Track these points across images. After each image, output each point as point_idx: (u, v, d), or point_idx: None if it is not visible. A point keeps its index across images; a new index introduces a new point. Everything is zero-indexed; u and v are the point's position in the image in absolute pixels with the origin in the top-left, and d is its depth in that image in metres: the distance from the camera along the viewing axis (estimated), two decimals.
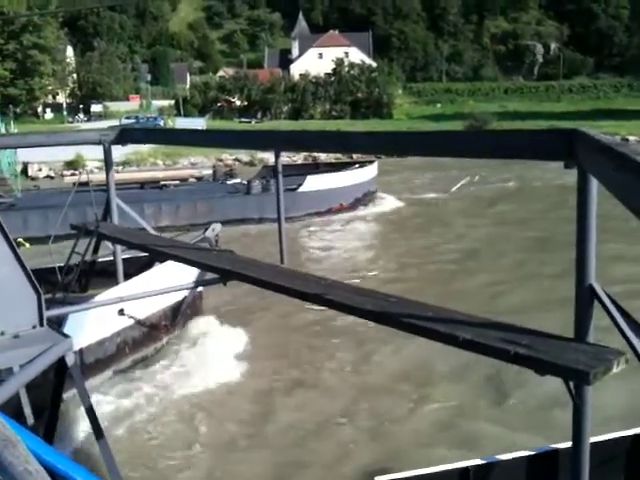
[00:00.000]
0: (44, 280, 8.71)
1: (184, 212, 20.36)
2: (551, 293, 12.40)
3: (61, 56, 64.49)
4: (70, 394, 6.54)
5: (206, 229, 10.26)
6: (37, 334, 5.29)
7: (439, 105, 76.23)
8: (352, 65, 69.11)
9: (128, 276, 9.76)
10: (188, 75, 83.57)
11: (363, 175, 25.13)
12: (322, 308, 6.06)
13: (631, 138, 46.98)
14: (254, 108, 65.94)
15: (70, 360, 5.26)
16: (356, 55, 75.14)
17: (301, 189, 22.02)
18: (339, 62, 68.98)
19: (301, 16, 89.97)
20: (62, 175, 33.38)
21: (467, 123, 51.50)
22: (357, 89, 67.38)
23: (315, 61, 75.91)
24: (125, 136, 8.95)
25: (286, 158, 37.74)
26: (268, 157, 32.04)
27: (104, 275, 10.17)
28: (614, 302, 3.99)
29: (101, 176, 9.66)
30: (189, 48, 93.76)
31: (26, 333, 5.11)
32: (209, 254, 7.47)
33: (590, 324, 4.12)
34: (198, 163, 38.32)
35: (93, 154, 25.25)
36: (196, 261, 6.90)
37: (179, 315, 10.91)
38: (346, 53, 74.27)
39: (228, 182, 24.98)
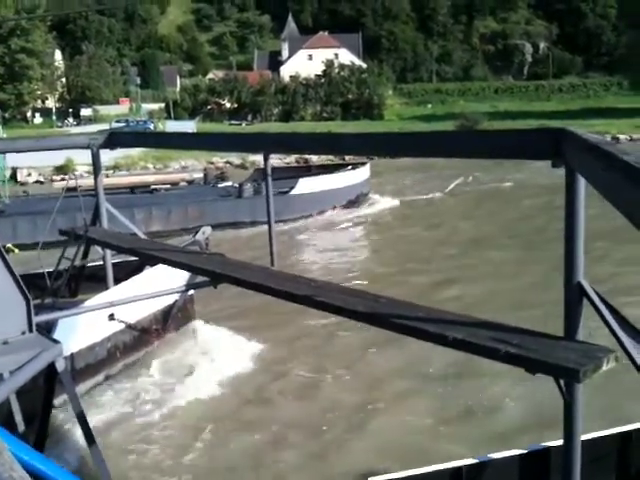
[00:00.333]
0: (33, 285, 8.66)
1: (175, 216, 20.23)
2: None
3: (50, 60, 64.18)
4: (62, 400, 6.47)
5: (196, 232, 10.23)
6: (26, 340, 5.25)
7: (430, 105, 76.49)
8: (342, 66, 69.20)
9: (118, 280, 9.70)
10: (178, 78, 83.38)
11: (355, 177, 25.11)
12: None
13: (622, 137, 47.32)
14: (244, 110, 65.88)
15: (60, 366, 5.22)
16: (346, 56, 75.25)
17: (293, 192, 21.98)
18: (329, 63, 69.05)
19: (290, 18, 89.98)
20: (52, 180, 33.15)
21: (458, 123, 51.71)
22: (347, 90, 67.47)
23: (305, 63, 75.94)
24: (113, 140, 8.91)
25: (277, 160, 37.66)
26: (260, 160, 31.81)
27: (94, 280, 10.11)
28: (603, 299, 4.01)
29: (91, 181, 9.58)
30: (178, 51, 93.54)
31: (15, 339, 5.07)
32: (199, 257, 7.45)
33: (579, 322, 4.14)
34: (189, 166, 38.16)
35: (83, 159, 25.10)
36: (186, 264, 6.87)
37: (170, 319, 10.86)
38: (336, 54, 74.36)
39: (219, 185, 24.85)
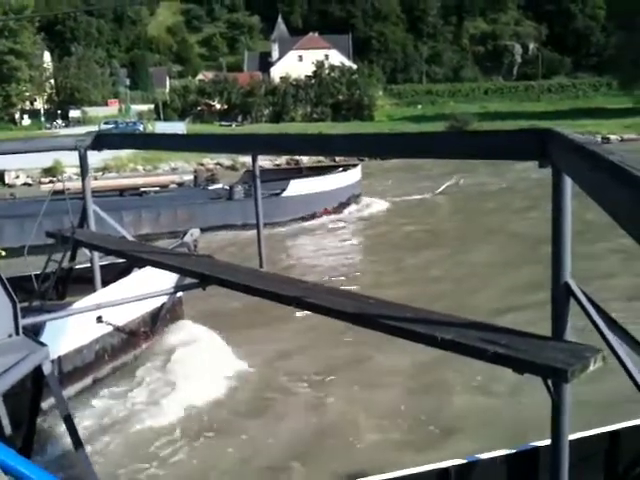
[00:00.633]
0: (20, 288, 8.56)
1: (165, 219, 20.00)
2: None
3: (38, 61, 63.72)
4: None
5: (184, 234, 10.18)
6: (13, 343, 5.20)
7: (420, 106, 76.74)
8: (332, 67, 69.28)
9: (106, 283, 9.64)
10: (167, 79, 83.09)
11: (347, 179, 25.01)
12: None
13: (612, 137, 47.60)
14: (234, 111, 65.79)
15: (47, 369, 5.18)
16: (336, 57, 75.37)
17: (285, 194, 21.83)
18: (319, 65, 69.12)
19: (280, 19, 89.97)
20: (40, 182, 32.84)
21: (448, 124, 51.87)
22: (338, 91, 67.55)
23: (295, 64, 75.95)
24: (101, 142, 8.85)
25: (267, 162, 37.60)
26: (250, 161, 31.80)
27: (82, 282, 10.03)
28: (590, 299, 4.03)
29: (79, 183, 9.51)
30: (168, 52, 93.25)
31: (1, 342, 5.02)
32: (188, 259, 7.40)
33: (567, 322, 4.15)
34: (179, 168, 38.04)
35: (71, 160, 24.88)
36: (174, 266, 6.83)
37: (158, 321, 10.81)
38: (326, 55, 74.47)
39: (210, 188, 24.63)
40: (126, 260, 8.61)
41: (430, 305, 5.14)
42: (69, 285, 10.48)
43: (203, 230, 15.60)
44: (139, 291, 7.43)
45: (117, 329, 9.89)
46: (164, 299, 10.63)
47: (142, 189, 24.34)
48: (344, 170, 25.64)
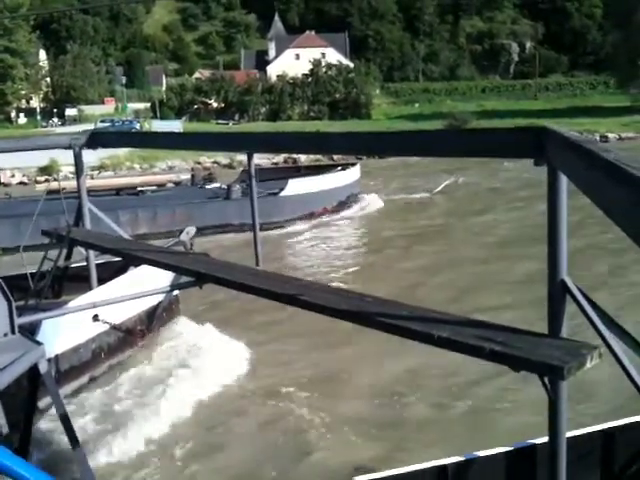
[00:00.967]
0: (16, 287, 8.55)
1: (162, 219, 19.76)
2: None
3: (34, 60, 63.46)
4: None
5: (181, 232, 10.16)
6: (8, 342, 5.20)
7: (417, 105, 76.68)
8: (329, 66, 69.16)
9: (102, 281, 9.62)
10: (164, 77, 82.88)
11: (346, 178, 24.81)
12: None
13: (610, 135, 47.65)
14: (231, 110, 65.63)
15: (43, 367, 5.18)
16: (333, 56, 75.26)
17: (283, 193, 21.65)
18: (316, 63, 69.00)
19: (277, 17, 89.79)
20: (36, 181, 32.62)
21: (447, 122, 51.78)
22: (335, 90, 67.45)
23: (292, 62, 75.82)
24: (96, 140, 8.83)
25: (265, 160, 37.53)
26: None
27: (77, 281, 10.01)
28: (586, 296, 4.04)
29: (75, 182, 9.48)
30: (164, 50, 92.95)
31: None
32: (184, 257, 7.40)
33: (563, 319, 4.16)
34: (176, 166, 37.93)
35: (68, 159, 24.72)
36: (171, 264, 6.83)
37: (155, 319, 10.79)
38: (323, 54, 74.33)
39: (207, 187, 24.36)
40: (122, 258, 8.59)
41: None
42: (65, 284, 10.45)
43: (200, 230, 15.45)
44: (135, 289, 7.42)
45: (113, 327, 9.87)
46: (160, 297, 10.61)
47: (139, 188, 24.11)
48: (343, 169, 25.48)
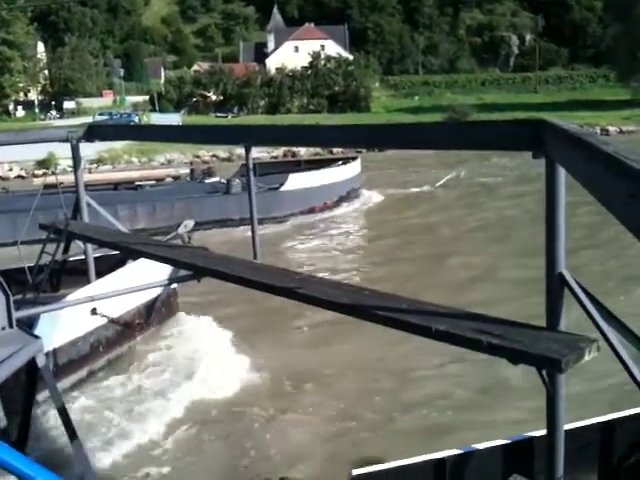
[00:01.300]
0: (14, 281, 8.54)
1: (160, 214, 19.52)
2: None
3: (31, 52, 63.17)
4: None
5: (178, 226, 10.15)
6: (6, 336, 5.19)
7: (417, 98, 76.43)
8: (329, 58, 68.87)
9: (100, 275, 9.61)
10: (162, 70, 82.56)
11: (346, 172, 24.57)
12: None
13: (611, 129, 47.48)
14: (230, 103, 65.41)
15: (41, 361, 5.17)
16: (332, 48, 74.92)
17: (283, 188, 21.44)
18: (315, 55, 68.70)
19: (276, 9, 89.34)
20: (34, 175, 32.37)
21: (446, 115, 51.52)
22: (334, 83, 67.20)
23: (291, 55, 75.51)
24: (93, 133, 8.80)
25: (264, 154, 37.40)
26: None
27: (76, 274, 10.00)
28: (584, 289, 4.03)
29: (73, 176, 9.44)
30: (163, 43, 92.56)
31: None
32: (182, 251, 7.39)
33: (561, 312, 4.16)
34: (174, 159, 37.83)
35: (65, 152, 24.52)
36: (169, 258, 6.82)
37: (153, 313, 10.79)
38: (322, 46, 73.98)
39: (206, 181, 24.04)
40: (120, 252, 8.57)
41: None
42: (63, 277, 10.43)
43: (200, 225, 15.32)
44: (133, 283, 7.42)
45: (112, 321, 9.87)
46: (159, 291, 10.61)
47: (137, 183, 23.83)
48: (343, 163, 25.22)
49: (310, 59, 68.48)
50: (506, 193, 26.22)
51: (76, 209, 9.33)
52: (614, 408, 5.94)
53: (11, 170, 34.10)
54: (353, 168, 25.23)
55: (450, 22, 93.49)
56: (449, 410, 8.60)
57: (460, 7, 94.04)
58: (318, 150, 37.01)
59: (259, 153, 36.18)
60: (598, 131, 43.46)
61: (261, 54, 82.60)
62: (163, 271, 8.55)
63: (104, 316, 9.58)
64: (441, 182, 28.18)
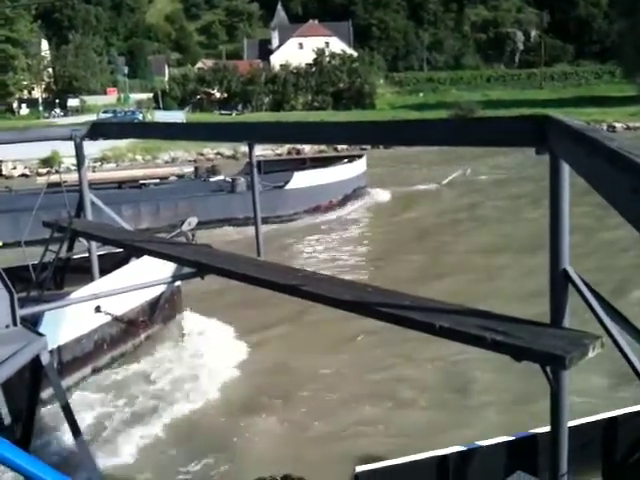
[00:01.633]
0: (18, 278, 8.58)
1: (165, 213, 19.30)
2: None
3: (35, 50, 63.25)
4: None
5: (182, 223, 10.15)
6: (10, 334, 5.20)
7: (421, 94, 76.22)
8: (333, 55, 68.72)
9: (104, 272, 9.62)
10: (166, 67, 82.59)
11: (352, 170, 24.35)
12: None
13: (618, 125, 47.20)
14: (234, 100, 65.41)
15: (45, 359, 5.18)
16: (337, 45, 74.72)
17: (289, 186, 21.24)
18: (320, 52, 68.57)
19: (280, 6, 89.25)
20: (38, 173, 32.31)
21: (452, 112, 51.14)
22: (339, 79, 67.08)
23: (295, 51, 75.39)
24: (97, 131, 8.80)
25: (269, 151, 37.37)
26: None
27: (80, 272, 10.02)
28: (588, 286, 4.01)
29: (77, 175, 9.45)
30: (167, 40, 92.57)
31: None
32: (185, 248, 7.39)
33: (565, 309, 4.14)
34: (179, 157, 37.86)
35: (69, 151, 24.41)
36: (172, 255, 6.82)
37: (157, 310, 10.80)
38: (327, 43, 73.83)
39: (211, 179, 23.86)
40: (124, 250, 8.58)
41: None
42: (67, 275, 10.46)
43: (204, 224, 15.19)
44: (137, 280, 7.43)
45: (116, 319, 9.89)
46: (162, 288, 10.62)
47: (141, 181, 23.64)
48: (349, 161, 24.97)
49: (314, 56, 68.37)
50: (514, 190, 25.85)
51: (80, 207, 9.35)
52: None
53: (15, 168, 34.13)
54: (359, 166, 24.96)
55: (455, 18, 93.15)
56: None
57: (465, 3, 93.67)
58: (323, 147, 37.04)
59: (264, 150, 36.14)
60: (605, 127, 43.16)
61: (265, 51, 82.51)
62: (167, 269, 8.56)
63: (108, 314, 9.60)
64: (447, 180, 27.85)
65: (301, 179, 21.71)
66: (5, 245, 15.30)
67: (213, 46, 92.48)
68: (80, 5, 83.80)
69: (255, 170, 6.47)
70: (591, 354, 3.75)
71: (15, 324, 5.28)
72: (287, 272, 5.80)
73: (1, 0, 54.50)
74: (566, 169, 3.85)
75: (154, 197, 21.09)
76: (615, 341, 3.86)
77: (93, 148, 27.57)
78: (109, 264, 10.01)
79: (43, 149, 29.78)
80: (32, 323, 6.67)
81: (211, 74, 67.13)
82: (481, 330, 4.01)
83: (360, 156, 25.67)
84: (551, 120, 3.84)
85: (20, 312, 5.32)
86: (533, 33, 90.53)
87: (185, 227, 9.91)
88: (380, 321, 4.73)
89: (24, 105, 62.45)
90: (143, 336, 10.54)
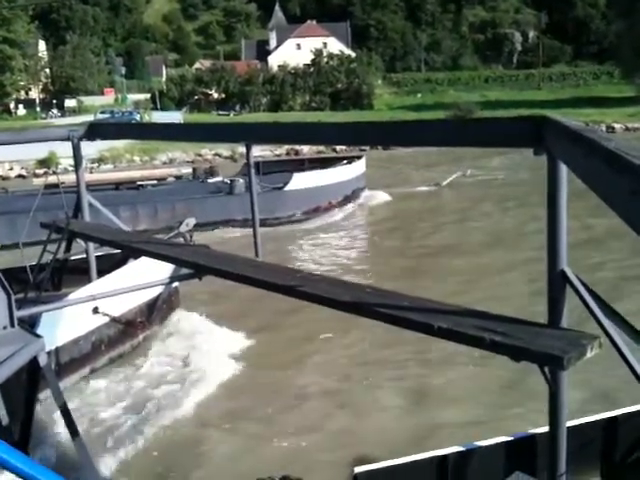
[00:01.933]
0: (15, 280, 8.56)
1: (163, 215, 19.16)
2: None
3: (33, 50, 63.20)
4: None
5: (180, 224, 10.14)
6: (8, 335, 5.19)
7: (419, 95, 76.29)
8: (331, 56, 68.76)
9: (102, 273, 9.61)
10: (164, 68, 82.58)
11: (352, 171, 24.25)
12: None
13: (617, 126, 47.19)
14: (232, 101, 65.41)
15: (42, 360, 5.18)
16: (335, 45, 74.76)
17: (288, 187, 21.13)
18: (318, 53, 68.60)
19: (277, 6, 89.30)
20: (35, 174, 32.15)
21: (451, 113, 51.11)
22: (336, 80, 67.11)
23: (293, 52, 75.42)
24: (94, 131, 8.79)
25: (268, 152, 37.33)
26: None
27: (77, 273, 10.01)
28: (586, 286, 4.02)
29: (74, 176, 9.42)
30: (164, 40, 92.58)
31: None
32: (183, 249, 7.38)
33: (563, 309, 4.14)
34: (176, 158, 37.79)
35: (66, 151, 24.24)
36: (170, 256, 6.80)
37: (155, 311, 10.79)
38: (324, 43, 73.86)
39: (209, 181, 23.68)
40: (121, 251, 8.57)
41: None
42: (64, 276, 10.45)
43: (202, 226, 15.09)
44: (135, 281, 7.42)
45: (113, 320, 9.88)
46: (160, 289, 10.61)
47: (139, 183, 23.46)
48: (348, 162, 24.84)
49: (312, 56, 68.40)
50: (515, 191, 25.77)
51: (77, 208, 9.33)
52: None
53: (12, 169, 34.01)
54: (358, 167, 24.84)
55: (453, 19, 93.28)
56: None
57: (463, 4, 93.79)
58: (321, 148, 37.01)
59: (262, 151, 36.10)
60: (604, 128, 43.18)
61: (263, 52, 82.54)
62: (164, 269, 8.55)
63: (106, 315, 9.59)
64: (447, 181, 27.74)
65: (300, 180, 21.59)
66: (2, 247, 15.17)
67: (211, 47, 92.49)
68: (77, 5, 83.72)
69: (253, 171, 6.46)
70: (589, 354, 3.75)
71: (13, 325, 5.28)
72: (285, 273, 5.80)
73: None
74: (564, 170, 3.85)
75: (152, 199, 20.94)
76: (613, 341, 3.86)
77: (90, 149, 27.51)
78: (107, 265, 10.00)
79: (40, 150, 29.66)
80: (30, 324, 6.67)
81: (209, 75, 67.13)
82: (479, 331, 4.01)
83: (359, 157, 25.55)
84: (548, 121, 3.84)
85: (18, 313, 5.32)
86: (531, 34, 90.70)
87: (183, 228, 9.91)
88: (378, 321, 4.73)
89: (21, 106, 62.38)
90: (141, 337, 10.53)
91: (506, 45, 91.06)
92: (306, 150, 37.88)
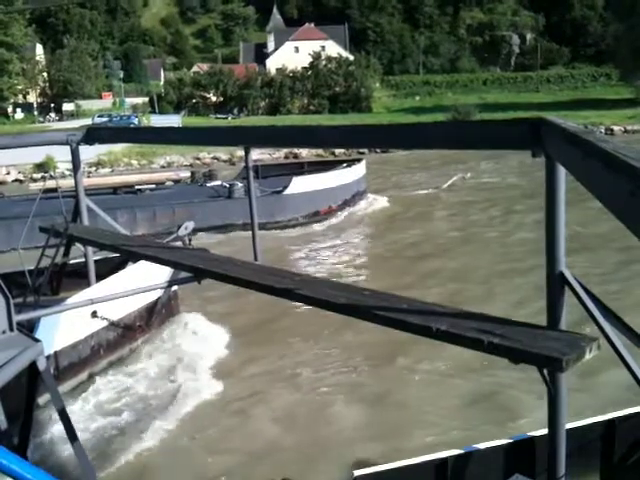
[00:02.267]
0: (14, 284, 8.55)
1: (161, 219, 19.00)
2: None
3: (30, 54, 63.28)
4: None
5: (179, 227, 10.14)
6: (6, 339, 5.18)
7: (418, 98, 76.41)
8: (329, 59, 68.85)
9: (101, 277, 9.60)
10: (162, 71, 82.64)
11: (351, 174, 24.09)
12: None
13: (615, 128, 47.19)
14: (230, 104, 65.45)
15: (42, 365, 5.15)
16: (333, 48, 74.90)
17: (287, 191, 20.97)
18: (316, 56, 68.68)
19: (275, 10, 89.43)
20: (32, 179, 31.94)
21: (450, 115, 51.16)
22: (335, 83, 67.19)
23: (291, 55, 75.53)
24: (93, 136, 8.79)
25: (266, 156, 37.28)
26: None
27: (76, 277, 10.00)
28: (584, 288, 4.02)
29: (71, 181, 9.41)
30: (162, 44, 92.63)
31: None
32: (182, 253, 7.38)
33: (562, 311, 4.15)
34: (174, 162, 37.74)
35: (64, 155, 24.10)
36: (169, 260, 6.80)
37: (154, 315, 10.78)
38: (322, 47, 73.95)
39: (208, 185, 23.38)
40: (120, 254, 8.56)
41: None
42: (63, 280, 10.44)
43: (202, 230, 15.02)
44: (134, 285, 7.41)
45: (112, 324, 9.86)
46: (159, 293, 10.60)
47: (137, 187, 23.22)
48: (348, 165, 24.68)
49: (310, 59, 68.49)
50: (515, 194, 25.68)
51: (76, 212, 9.32)
52: None
53: (9, 174, 33.88)
54: (358, 170, 24.64)
55: (450, 21, 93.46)
56: None
57: (460, 6, 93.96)
58: (320, 151, 36.96)
59: (261, 155, 36.06)
60: (603, 130, 43.22)
61: (261, 55, 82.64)
62: (164, 273, 8.55)
63: (105, 319, 9.57)
64: (447, 184, 27.64)
65: (300, 184, 21.42)
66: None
67: (209, 50, 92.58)
68: (75, 9, 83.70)
69: (251, 174, 6.46)
70: (588, 356, 3.76)
71: (11, 330, 5.26)
72: (284, 276, 5.80)
73: None
74: (562, 172, 3.86)
75: (150, 203, 20.73)
76: (612, 343, 3.87)
77: (88, 153, 27.41)
78: (106, 269, 9.98)
79: (37, 154, 29.54)
80: (28, 329, 6.65)
81: (207, 78, 67.17)
82: (478, 333, 4.01)
83: (359, 160, 25.43)
84: (546, 123, 3.85)
85: (16, 318, 5.29)
86: (529, 36, 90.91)
87: (182, 232, 9.90)
88: (377, 324, 4.73)
89: (19, 109, 62.39)
90: (140, 341, 10.51)
91: (504, 47, 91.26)
92: (305, 153, 37.85)
